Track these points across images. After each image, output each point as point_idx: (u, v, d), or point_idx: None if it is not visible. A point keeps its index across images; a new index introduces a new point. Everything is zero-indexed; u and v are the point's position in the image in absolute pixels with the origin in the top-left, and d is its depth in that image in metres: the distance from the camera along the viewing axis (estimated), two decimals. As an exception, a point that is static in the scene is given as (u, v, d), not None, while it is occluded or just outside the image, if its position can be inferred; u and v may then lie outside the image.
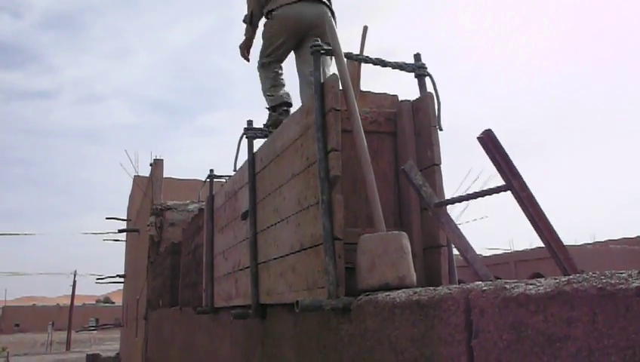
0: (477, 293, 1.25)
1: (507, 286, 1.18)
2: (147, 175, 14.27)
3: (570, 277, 1.04)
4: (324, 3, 3.59)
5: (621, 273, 0.97)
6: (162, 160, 12.15)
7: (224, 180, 4.27)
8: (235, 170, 3.51)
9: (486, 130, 1.46)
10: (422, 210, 2.30)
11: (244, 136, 3.22)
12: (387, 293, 1.68)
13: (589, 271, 1.09)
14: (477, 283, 1.34)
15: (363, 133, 2.16)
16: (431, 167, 2.27)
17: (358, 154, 2.13)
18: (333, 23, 2.33)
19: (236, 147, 3.38)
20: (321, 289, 2.03)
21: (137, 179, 16.19)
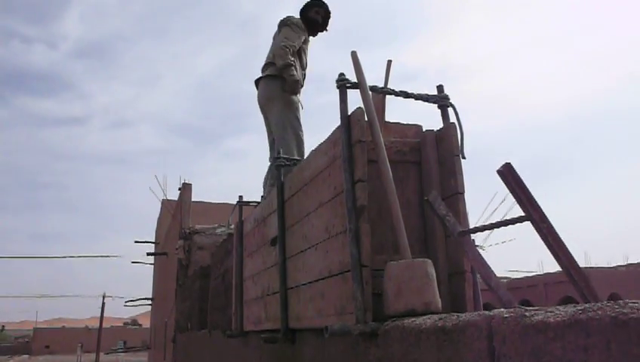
0: (499, 320, 1.32)
1: (527, 313, 1.25)
2: (175, 198, 14.51)
3: (586, 305, 1.10)
4: (263, 77, 4.59)
5: (635, 302, 1.04)
6: (191, 184, 12.38)
7: (253, 205, 4.39)
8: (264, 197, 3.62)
9: (506, 164, 1.54)
10: (446, 237, 2.36)
11: (274, 164, 3.33)
12: (413, 319, 1.74)
13: (620, 294, 1.15)
14: (499, 310, 1.41)
15: (388, 163, 2.25)
16: (455, 195, 2.34)
17: (383, 183, 2.22)
18: (359, 59, 2.43)
19: (264, 175, 3.50)
20: (349, 315, 2.10)
21: (166, 203, 16.47)
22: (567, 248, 1.52)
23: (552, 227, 1.52)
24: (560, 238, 1.52)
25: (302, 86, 4.62)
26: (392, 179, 2.22)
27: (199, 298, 7.46)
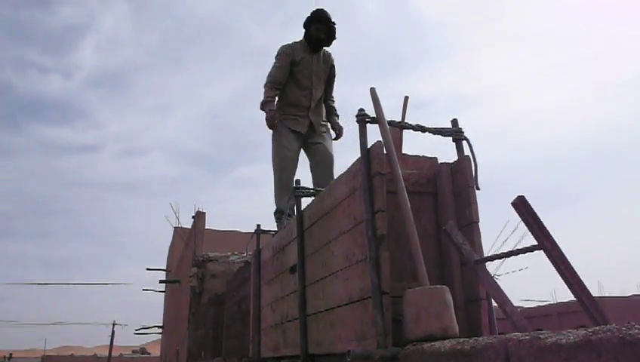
0: (515, 342, 1.41)
1: (541, 336, 1.35)
2: (188, 226, 14.64)
3: (597, 328, 1.20)
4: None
5: (636, 326, 1.13)
6: (204, 212, 12.53)
7: (271, 234, 4.50)
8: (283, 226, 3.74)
9: (519, 197, 1.65)
10: (462, 265, 2.46)
11: (293, 195, 3.46)
12: (432, 343, 1.84)
13: (633, 323, 1.25)
14: (515, 333, 1.50)
15: (406, 194, 2.36)
16: (470, 225, 2.45)
17: (402, 214, 2.33)
18: (377, 95, 2.58)
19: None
20: (369, 340, 2.19)
21: (178, 231, 16.61)
22: (579, 276, 1.62)
23: (563, 255, 1.62)
24: (572, 266, 1.62)
25: (309, 107, 4.76)
26: (410, 210, 2.33)
27: (213, 326, 7.52)
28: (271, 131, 4.81)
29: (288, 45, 4.79)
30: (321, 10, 4.73)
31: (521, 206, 1.64)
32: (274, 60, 4.77)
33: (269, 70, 4.74)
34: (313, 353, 2.92)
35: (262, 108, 4.67)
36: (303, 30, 4.80)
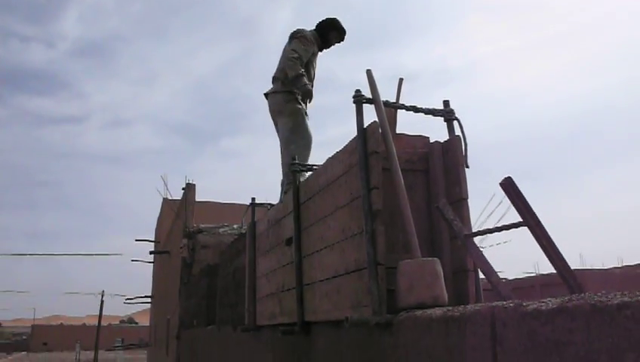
0: (500, 309, 1.57)
1: (524, 303, 1.50)
2: (177, 197, 14.71)
3: (572, 296, 1.36)
4: (271, 93, 4.93)
5: (610, 293, 1.29)
6: (194, 184, 12.60)
7: (267, 207, 4.64)
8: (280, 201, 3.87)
9: (507, 178, 1.79)
10: (451, 239, 2.62)
11: (291, 170, 3.59)
12: (424, 310, 2.00)
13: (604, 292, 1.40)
14: (500, 301, 1.66)
15: (400, 172, 2.50)
16: (459, 201, 2.60)
17: (395, 190, 2.47)
18: (373, 76, 2.69)
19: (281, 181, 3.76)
20: (364, 308, 2.35)
21: (168, 202, 16.67)
22: (559, 251, 1.77)
23: (546, 232, 1.77)
24: (553, 242, 1.77)
25: (311, 97, 4.90)
26: (404, 187, 2.48)
27: (206, 295, 7.71)
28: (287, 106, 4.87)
29: (312, 34, 4.94)
30: (339, 21, 5.08)
31: (509, 186, 1.79)
32: (299, 40, 4.81)
33: (296, 47, 4.77)
34: (309, 320, 3.09)
35: (296, 82, 4.71)
36: (317, 27, 5.00)
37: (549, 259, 1.77)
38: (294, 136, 4.72)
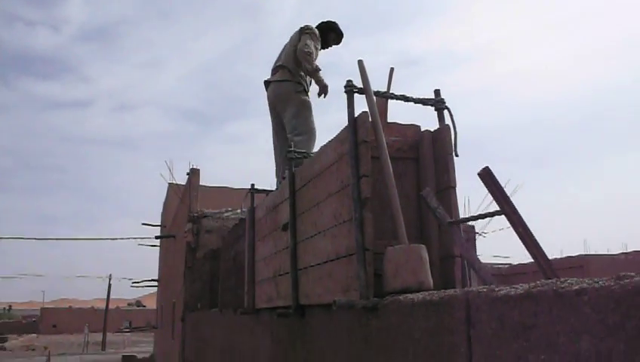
0: (474, 294, 1.65)
1: (496, 289, 1.58)
2: (182, 182, 14.83)
3: (538, 282, 1.43)
4: (276, 80, 4.99)
5: (573, 279, 1.36)
6: (199, 169, 12.70)
7: (265, 193, 4.72)
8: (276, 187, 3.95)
9: (484, 168, 1.86)
10: (439, 226, 2.69)
11: (287, 157, 3.66)
12: (407, 295, 2.08)
13: (566, 278, 1.47)
14: (476, 287, 1.74)
15: (389, 160, 2.57)
16: (447, 189, 2.67)
17: (384, 178, 2.54)
18: (364, 66, 2.74)
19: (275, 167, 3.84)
20: (353, 292, 2.44)
21: (173, 187, 16.80)
22: (535, 238, 1.84)
23: (522, 219, 1.84)
24: (529, 230, 1.84)
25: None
26: (392, 175, 2.55)
27: (209, 279, 7.84)
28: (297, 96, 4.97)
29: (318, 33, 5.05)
30: (338, 25, 5.25)
31: (486, 176, 1.86)
32: (309, 37, 4.88)
33: (309, 43, 4.84)
34: (303, 303, 3.18)
35: (313, 75, 4.80)
36: (317, 28, 5.09)
37: (525, 246, 1.84)
38: (302, 126, 4.82)
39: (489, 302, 1.57)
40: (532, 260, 1.96)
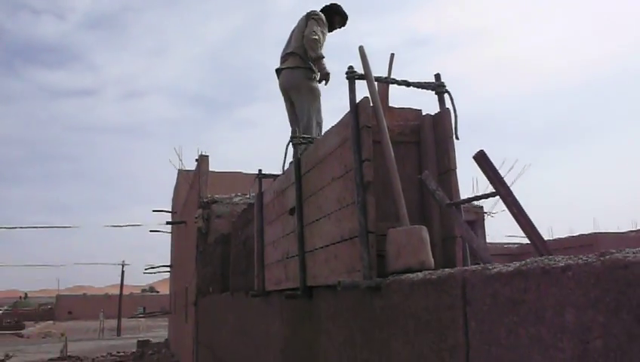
0: (470, 272, 1.73)
1: (490, 267, 1.66)
2: (191, 168, 14.95)
3: (527, 260, 1.51)
4: (288, 68, 5.06)
5: (560, 257, 1.44)
6: (208, 155, 12.81)
7: (272, 178, 4.80)
8: (282, 172, 4.04)
9: (479, 151, 1.92)
10: (440, 208, 2.76)
11: (291, 142, 3.74)
12: (408, 275, 2.16)
13: (553, 256, 1.55)
14: (472, 266, 1.82)
15: (390, 144, 2.64)
16: (447, 172, 2.74)
17: (386, 162, 2.61)
18: (365, 52, 2.80)
19: (284, 152, 3.92)
20: (357, 273, 2.52)
21: (182, 173, 16.94)
22: (529, 218, 1.91)
23: (516, 200, 1.90)
24: (524, 210, 1.91)
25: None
26: (394, 158, 2.62)
27: (220, 263, 7.97)
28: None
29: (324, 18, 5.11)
30: (342, 7, 5.30)
31: (481, 159, 1.92)
32: (316, 23, 4.96)
33: (316, 30, 4.90)
34: (310, 285, 3.28)
35: (317, 63, 4.87)
36: (322, 11, 5.16)
37: (520, 226, 1.91)
38: (311, 113, 4.92)
39: (483, 280, 1.65)
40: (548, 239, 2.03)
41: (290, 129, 5.19)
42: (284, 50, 5.18)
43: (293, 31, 5.17)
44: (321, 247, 3.08)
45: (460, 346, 1.74)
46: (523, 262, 1.52)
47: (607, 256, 1.24)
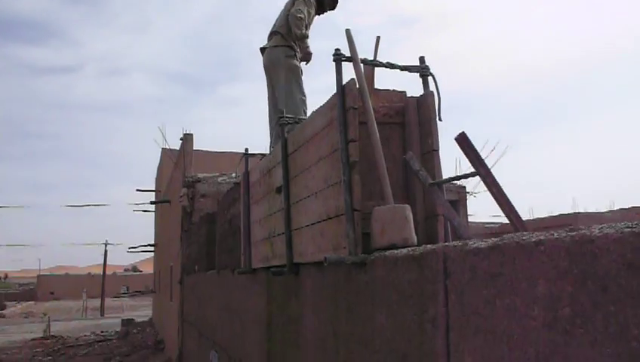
0: (450, 248, 1.83)
1: (468, 242, 1.76)
2: (175, 147, 14.91)
3: (504, 236, 1.61)
4: (270, 47, 5.11)
5: (534, 233, 1.54)
6: (192, 134, 12.79)
7: (259, 157, 4.87)
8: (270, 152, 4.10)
9: (461, 133, 2.01)
10: (424, 187, 2.86)
11: (279, 123, 3.80)
12: (392, 251, 2.26)
13: (528, 232, 1.65)
14: (452, 242, 1.92)
15: (375, 125, 2.72)
16: (430, 153, 2.84)
17: (371, 142, 2.70)
18: (352, 35, 2.87)
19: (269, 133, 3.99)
20: (343, 249, 2.62)
21: (167, 152, 16.88)
22: (507, 197, 2.01)
23: (495, 181, 2.00)
24: (503, 190, 2.01)
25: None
26: (379, 139, 2.70)
27: (206, 242, 8.04)
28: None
29: None
30: None
31: (463, 141, 2.01)
32: (303, 2, 4.99)
33: (302, 8, 4.93)
34: (297, 261, 3.37)
35: (300, 41, 4.92)
36: None
37: (498, 205, 2.01)
38: (292, 90, 4.96)
39: (462, 255, 1.75)
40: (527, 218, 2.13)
41: (264, 104, 5.29)
42: (271, 29, 5.22)
43: (281, 11, 5.21)
44: (308, 225, 3.17)
45: (441, 316, 1.84)
46: (500, 237, 1.62)
47: (576, 232, 1.34)
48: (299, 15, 4.84)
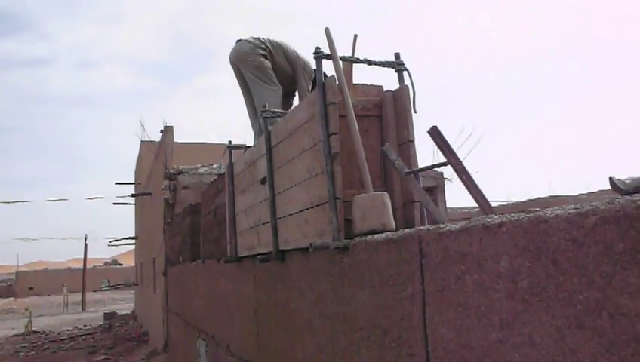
0: (425, 231, 2.02)
1: (442, 226, 1.95)
2: (154, 140, 14.93)
3: (472, 219, 1.80)
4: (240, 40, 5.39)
5: (498, 215, 1.73)
6: (172, 126, 12.84)
7: (242, 149, 5.02)
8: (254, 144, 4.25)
9: (433, 127, 2.20)
10: (401, 175, 3.05)
11: (262, 117, 3.96)
12: (373, 236, 2.45)
13: (493, 215, 1.84)
14: (427, 226, 2.10)
15: (355, 118, 2.90)
16: (406, 143, 3.02)
17: (351, 134, 2.88)
18: (331, 34, 3.03)
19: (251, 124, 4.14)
20: (327, 235, 2.80)
21: (146, 144, 16.88)
22: (476, 183, 2.20)
23: (465, 169, 2.19)
24: (471, 177, 2.20)
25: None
26: (358, 131, 2.88)
27: (190, 233, 8.17)
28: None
29: None
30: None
31: (435, 134, 2.20)
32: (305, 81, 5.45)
33: (308, 87, 5.44)
34: (283, 249, 3.55)
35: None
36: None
37: (468, 191, 2.20)
38: (265, 83, 5.15)
39: (436, 237, 1.94)
40: (497, 204, 2.32)
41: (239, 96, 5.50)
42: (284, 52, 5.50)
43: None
44: (293, 214, 3.34)
45: (418, 293, 2.04)
46: (467, 222, 1.81)
47: (532, 213, 1.53)
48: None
